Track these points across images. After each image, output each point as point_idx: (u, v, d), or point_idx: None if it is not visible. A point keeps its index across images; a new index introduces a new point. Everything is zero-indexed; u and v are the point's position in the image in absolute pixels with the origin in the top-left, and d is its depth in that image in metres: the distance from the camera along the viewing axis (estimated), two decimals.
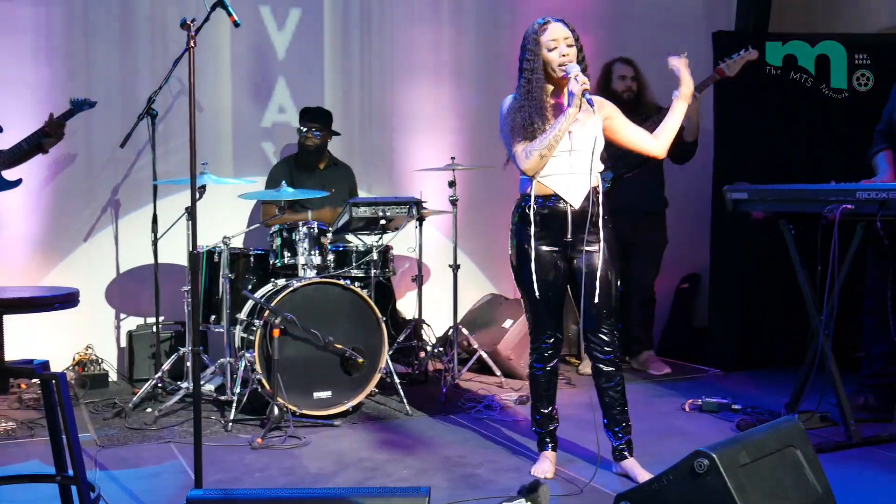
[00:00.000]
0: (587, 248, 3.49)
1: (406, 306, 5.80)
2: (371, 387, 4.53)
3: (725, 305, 5.77)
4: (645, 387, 5.24)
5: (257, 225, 5.17)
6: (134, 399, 4.58)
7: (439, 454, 3.89)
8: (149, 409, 4.51)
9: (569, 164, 3.46)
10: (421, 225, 5.25)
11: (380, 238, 5.14)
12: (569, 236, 3.49)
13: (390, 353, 4.79)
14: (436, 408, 4.67)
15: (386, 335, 4.57)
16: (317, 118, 5.39)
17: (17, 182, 4.58)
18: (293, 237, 4.63)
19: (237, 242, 4.84)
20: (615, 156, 5.34)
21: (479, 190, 6.01)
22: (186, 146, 3.23)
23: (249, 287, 4.71)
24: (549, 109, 3.45)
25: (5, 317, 2.69)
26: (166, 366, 4.73)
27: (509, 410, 4.63)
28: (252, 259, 4.80)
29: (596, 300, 3.47)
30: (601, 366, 3.57)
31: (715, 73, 5.13)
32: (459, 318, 5.36)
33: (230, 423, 4.25)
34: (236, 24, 3.42)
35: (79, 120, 4.82)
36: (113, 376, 5.29)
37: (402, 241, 5.30)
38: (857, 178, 4.09)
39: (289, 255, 4.64)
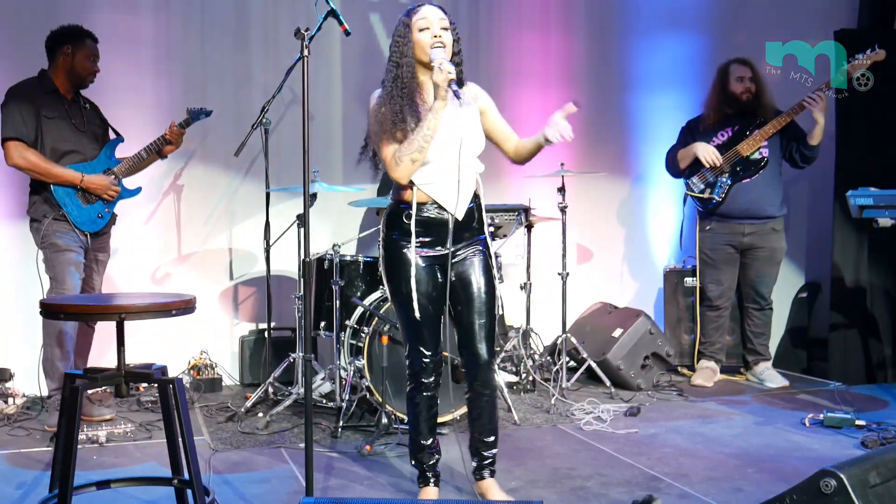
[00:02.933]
0: (468, 259, 3.22)
1: (514, 314, 5.75)
2: None
3: (847, 315, 5.54)
4: (762, 400, 5.06)
5: (367, 232, 5.20)
6: (246, 404, 4.67)
7: (548, 465, 3.83)
8: (260, 414, 4.59)
9: (448, 168, 3.15)
10: (529, 232, 5.20)
11: None
12: (449, 246, 3.17)
13: (498, 361, 4.75)
14: (543, 417, 4.62)
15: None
16: None
17: (137, 190, 4.72)
18: None
19: (347, 250, 4.87)
20: (733, 160, 5.21)
21: (588, 196, 5.92)
22: (298, 154, 3.26)
23: (358, 294, 4.74)
24: (421, 101, 3.11)
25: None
26: (277, 372, 4.80)
27: (619, 422, 4.53)
28: (361, 266, 4.83)
29: (476, 315, 3.21)
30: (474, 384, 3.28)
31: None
32: (568, 327, 5.29)
33: (339, 430, 4.28)
34: (347, 33, 3.44)
35: (195, 129, 4.93)
36: (226, 381, 5.41)
37: (510, 248, 5.25)
38: None
39: None
